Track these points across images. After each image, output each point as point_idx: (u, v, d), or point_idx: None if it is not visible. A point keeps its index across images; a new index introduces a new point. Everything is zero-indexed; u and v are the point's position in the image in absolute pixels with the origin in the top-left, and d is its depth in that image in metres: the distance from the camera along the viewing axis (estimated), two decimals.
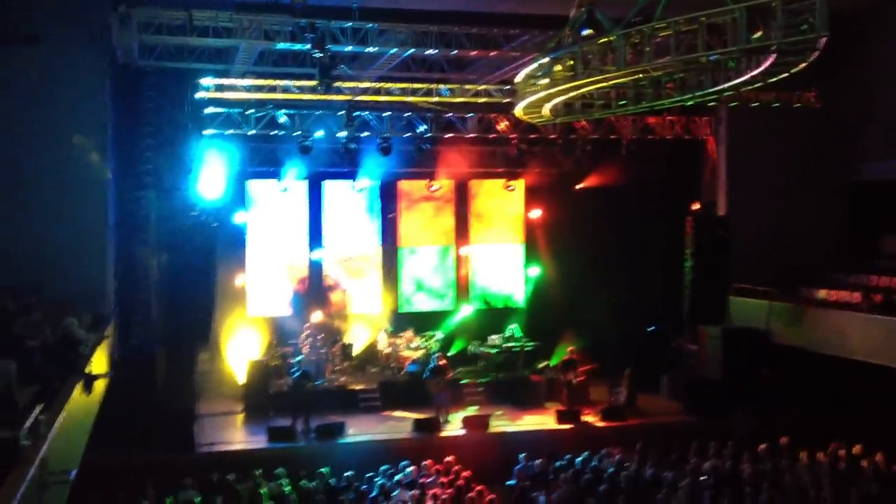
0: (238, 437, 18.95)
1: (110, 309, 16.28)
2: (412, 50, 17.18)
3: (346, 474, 15.13)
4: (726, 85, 15.38)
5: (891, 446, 15.81)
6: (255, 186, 23.34)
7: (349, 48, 16.64)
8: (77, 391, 9.56)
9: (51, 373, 9.45)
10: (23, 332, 10.43)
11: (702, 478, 14.87)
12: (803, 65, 14.18)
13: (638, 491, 14.50)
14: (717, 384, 20.55)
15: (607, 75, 14.15)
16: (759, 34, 12.18)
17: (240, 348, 21.59)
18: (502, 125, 22.40)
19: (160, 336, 18.16)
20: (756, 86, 15.60)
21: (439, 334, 23.25)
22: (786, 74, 14.75)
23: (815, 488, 14.55)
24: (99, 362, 12.00)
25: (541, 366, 22.30)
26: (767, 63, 14.06)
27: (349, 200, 24.09)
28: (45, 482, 6.81)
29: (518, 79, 16.27)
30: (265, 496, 14.27)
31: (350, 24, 16.30)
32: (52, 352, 10.23)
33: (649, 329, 20.90)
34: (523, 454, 16.16)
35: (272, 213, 23.58)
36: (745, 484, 14.66)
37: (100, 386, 11.56)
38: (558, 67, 14.78)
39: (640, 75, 14.90)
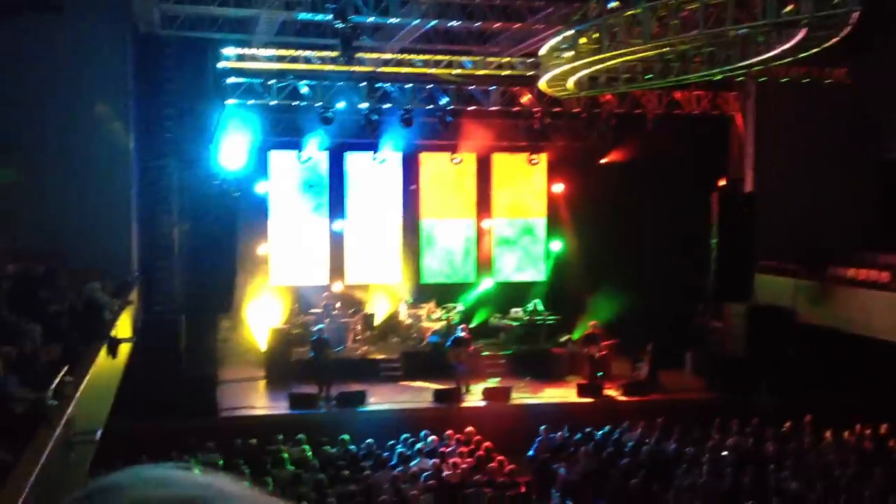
0: (260, 403, 19.10)
1: (134, 276, 16.36)
2: (434, 21, 17.00)
3: (366, 442, 15.20)
4: (755, 60, 15.16)
5: None
6: (276, 157, 23.32)
7: (371, 19, 16.52)
8: (102, 354, 9.61)
9: (75, 337, 9.52)
10: (48, 298, 10.51)
11: (723, 453, 14.82)
12: (835, 40, 13.96)
13: (658, 465, 14.48)
14: (740, 362, 20.47)
15: (633, 48, 14.00)
16: (789, 8, 11.99)
17: (262, 316, 21.70)
18: (525, 98, 22.20)
19: (183, 303, 18.27)
20: (786, 61, 15.37)
21: (460, 306, 23.24)
22: (816, 49, 14.52)
23: (840, 467, 14.45)
24: (123, 327, 12.08)
25: (563, 339, 22.27)
26: (798, 38, 13.84)
27: (371, 172, 24.03)
28: (72, 442, 6.86)
29: (542, 51, 16.13)
30: (286, 461, 14.36)
31: None
32: (76, 316, 10.30)
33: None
34: (544, 426, 16.16)
35: (294, 184, 23.56)
36: (768, 461, 14.60)
37: (124, 350, 11.64)
38: (583, 40, 14.65)
39: (667, 49, 14.73)
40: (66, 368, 7.39)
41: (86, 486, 0.85)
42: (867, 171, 21.94)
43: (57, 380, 6.93)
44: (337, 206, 23.98)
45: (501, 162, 25.31)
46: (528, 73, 20.25)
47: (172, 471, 0.87)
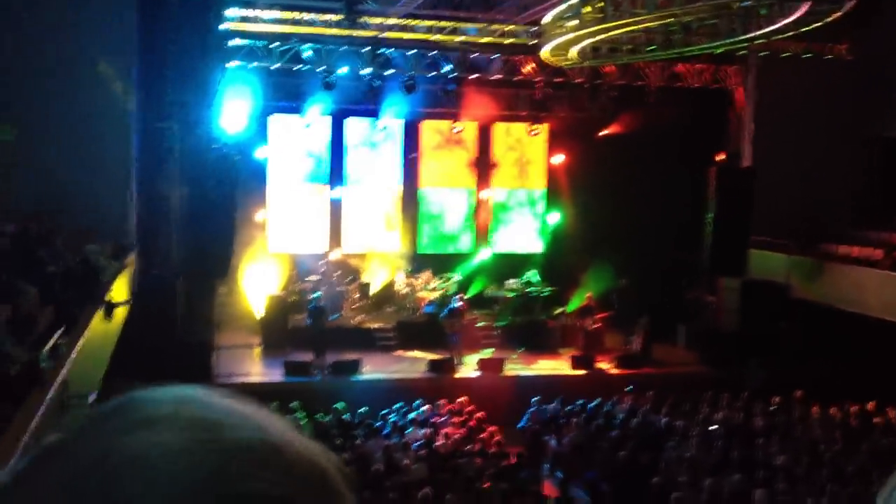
0: (255, 369, 19.18)
1: (131, 239, 16.37)
2: None
3: (360, 410, 15.30)
4: (757, 33, 15.14)
5: None
6: (277, 121, 23.25)
7: None
8: (98, 317, 9.67)
9: (70, 298, 9.57)
10: (44, 258, 10.54)
11: (712, 427, 14.95)
12: (837, 14, 13.92)
13: (649, 438, 14.61)
14: (733, 336, 20.58)
15: (637, 18, 13.97)
16: None
17: (259, 283, 21.73)
18: (528, 68, 22.12)
19: (180, 268, 18.29)
20: (788, 35, 15.34)
21: (457, 276, 23.28)
22: (819, 24, 14.50)
23: (826, 443, 14.60)
24: (119, 291, 12.12)
25: (557, 311, 22.35)
26: (801, 11, 13.81)
27: (371, 138, 23.97)
28: (65, 404, 6.93)
29: (546, 20, 16.06)
30: None
31: None
32: (72, 278, 10.35)
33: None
34: (536, 398, 16.28)
35: (293, 149, 23.50)
36: (757, 435, 14.74)
37: (120, 314, 11.69)
38: (587, 9, 14.60)
39: (670, 20, 14.69)
40: (61, 330, 7.45)
41: (104, 403, 0.83)
42: (865, 149, 21.93)
43: (52, 341, 6.99)
44: (336, 172, 23.94)
45: (502, 132, 25.25)
46: (531, 42, 20.15)
47: (208, 392, 0.85)
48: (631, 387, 17.81)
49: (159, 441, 0.76)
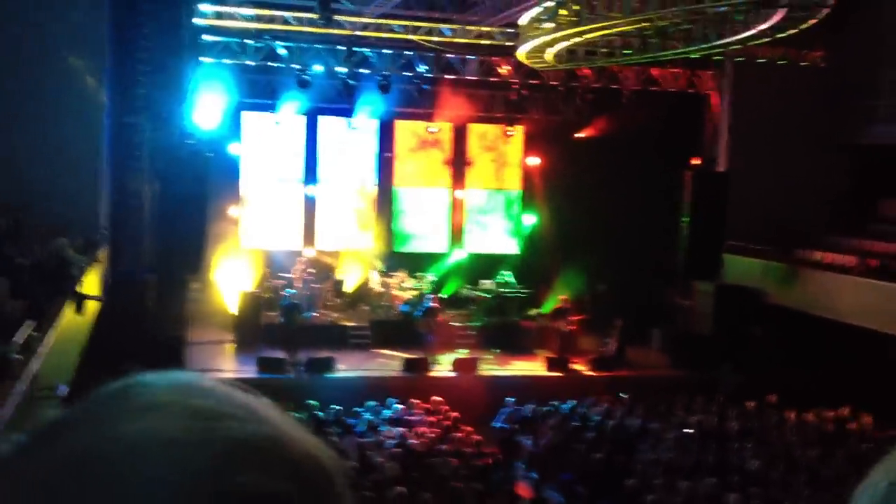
0: (228, 365, 18.98)
1: (102, 234, 16.15)
2: None
3: (333, 408, 15.17)
4: (733, 38, 15.19)
5: (878, 410, 15.92)
6: (250, 118, 23.06)
7: None
8: (69, 311, 9.49)
9: (40, 292, 9.38)
10: (13, 252, 10.34)
11: (687, 430, 14.97)
12: (812, 21, 14.01)
13: (624, 440, 14.60)
14: (706, 340, 20.66)
15: (612, 22, 13.97)
16: None
17: (232, 279, 21.53)
18: (504, 69, 22.11)
19: (152, 263, 18.07)
20: (763, 41, 15.42)
21: (431, 276, 23.20)
22: (794, 30, 14.58)
23: (801, 447, 14.65)
24: (90, 285, 11.93)
25: (532, 313, 22.32)
26: (776, 17, 13.88)
27: (345, 137, 23.85)
28: (36, 397, 6.77)
29: (522, 21, 16.02)
30: None
31: None
32: (42, 272, 10.16)
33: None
34: (511, 398, 16.22)
35: (267, 146, 23.34)
36: (731, 439, 14.77)
37: (91, 309, 11.50)
38: (563, 11, 14.57)
39: (646, 24, 14.71)
40: (32, 323, 7.28)
41: (113, 382, 0.80)
42: (839, 155, 22.10)
43: (23, 334, 6.83)
44: (310, 170, 23.80)
45: (477, 133, 25.22)
46: (507, 44, 20.11)
47: (209, 380, 0.82)
48: (626, 395, 17.68)
49: (159, 429, 0.74)
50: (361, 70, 21.24)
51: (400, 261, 23.69)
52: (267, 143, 23.31)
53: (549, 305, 21.99)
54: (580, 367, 20.02)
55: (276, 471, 0.75)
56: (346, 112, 22.98)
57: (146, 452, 0.72)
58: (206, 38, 19.82)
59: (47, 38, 16.01)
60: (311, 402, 15.38)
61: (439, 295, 21.89)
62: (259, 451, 0.75)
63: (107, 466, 0.71)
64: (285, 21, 19.34)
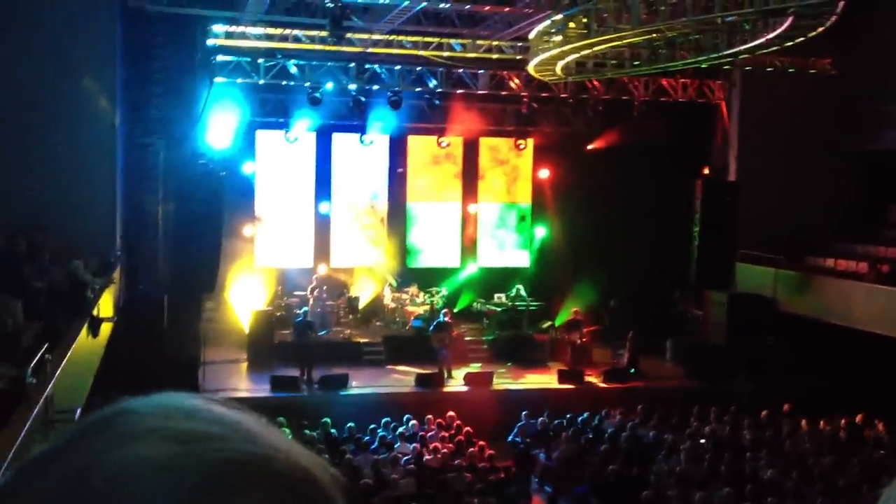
0: (242, 384, 19.08)
1: (117, 255, 16.30)
2: (424, 3, 16.93)
3: (347, 425, 15.23)
4: (742, 48, 15.24)
5: (893, 417, 15.85)
6: (263, 137, 23.22)
7: None
8: (83, 333, 9.60)
9: (56, 315, 9.50)
10: (30, 274, 10.47)
11: (701, 441, 14.95)
12: (820, 29, 14.04)
13: (637, 451, 14.59)
14: (720, 350, 20.60)
15: (621, 34, 14.04)
16: None
17: (246, 298, 21.63)
18: (514, 83, 22.19)
19: (166, 283, 18.20)
20: (772, 49, 15.45)
21: (444, 291, 23.25)
22: (802, 38, 14.61)
23: (815, 456, 14.61)
24: (105, 306, 12.05)
25: (545, 325, 22.33)
26: (784, 26, 13.92)
27: (358, 154, 23.97)
28: (51, 420, 6.87)
29: (531, 35, 16.12)
30: None
31: None
32: (58, 294, 10.28)
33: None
34: (525, 412, 16.24)
35: (280, 164, 23.47)
36: (745, 449, 14.74)
37: (106, 329, 11.62)
38: (572, 25, 14.66)
39: (655, 35, 14.77)
40: (46, 346, 7.38)
41: (99, 410, 0.80)
42: (849, 162, 22.06)
43: (37, 358, 6.93)
44: (323, 188, 23.91)
45: (488, 146, 25.30)
46: (517, 58, 20.20)
47: (196, 400, 0.81)
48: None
49: (145, 455, 0.73)
50: (373, 86, 21.39)
51: (413, 276, 23.74)
52: (280, 162, 23.44)
53: (561, 318, 22.01)
54: (594, 379, 20.02)
55: (264, 490, 0.73)
56: (358, 128, 23.08)
57: (132, 479, 0.71)
58: (219, 58, 20.00)
59: (61, 60, 16.21)
60: (326, 419, 15.45)
61: (452, 309, 21.91)
62: (249, 471, 0.74)
63: (93, 495, 0.71)
64: (296, 39, 19.48)
